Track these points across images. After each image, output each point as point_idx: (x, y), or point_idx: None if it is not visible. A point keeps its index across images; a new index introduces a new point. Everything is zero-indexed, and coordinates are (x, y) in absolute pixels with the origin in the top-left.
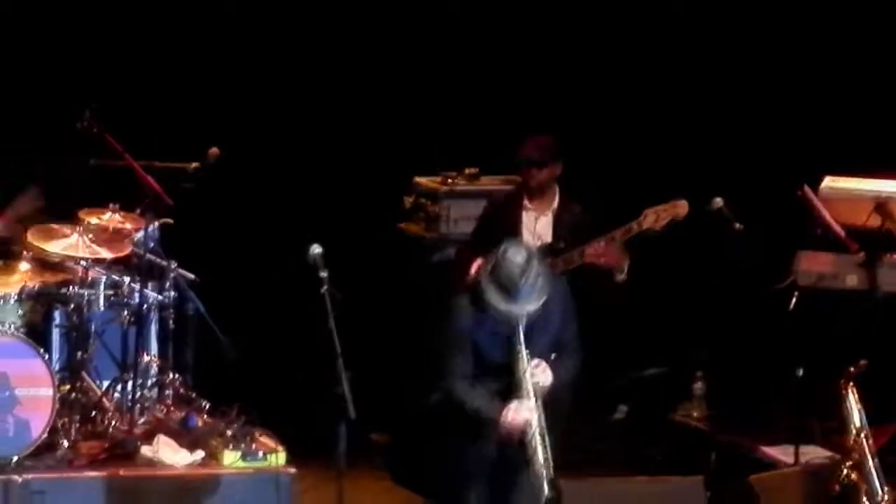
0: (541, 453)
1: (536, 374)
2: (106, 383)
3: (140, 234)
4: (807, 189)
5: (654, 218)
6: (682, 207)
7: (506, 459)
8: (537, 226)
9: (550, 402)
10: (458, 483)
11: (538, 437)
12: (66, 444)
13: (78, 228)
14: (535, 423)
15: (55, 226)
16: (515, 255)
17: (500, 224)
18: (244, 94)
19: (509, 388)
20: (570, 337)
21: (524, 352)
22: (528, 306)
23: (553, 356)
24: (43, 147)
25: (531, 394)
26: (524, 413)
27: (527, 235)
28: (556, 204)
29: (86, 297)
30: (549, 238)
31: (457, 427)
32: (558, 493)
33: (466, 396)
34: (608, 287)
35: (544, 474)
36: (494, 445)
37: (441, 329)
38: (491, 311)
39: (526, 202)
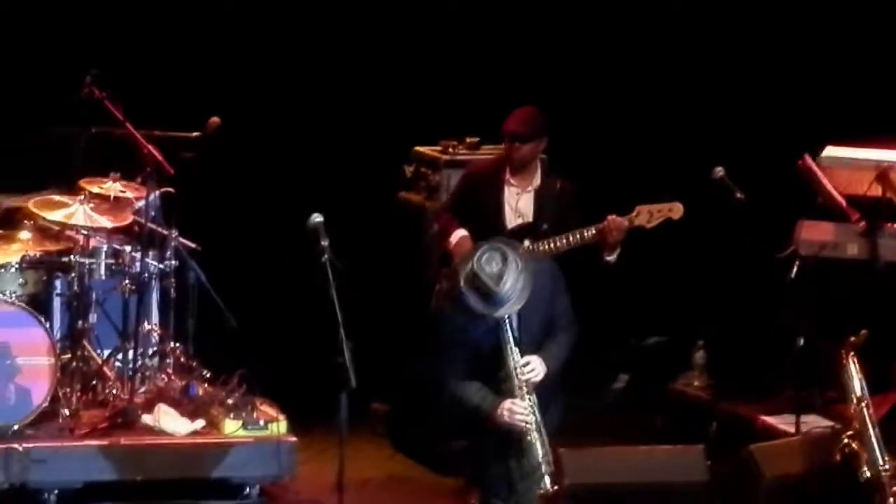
0: (539, 449)
1: (526, 371)
2: (107, 352)
3: (141, 203)
4: (808, 158)
5: (648, 217)
6: (676, 210)
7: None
8: (519, 203)
9: (548, 381)
10: (485, 460)
11: (535, 434)
12: (66, 412)
13: (79, 198)
14: (531, 421)
15: (56, 196)
16: (490, 263)
17: (481, 198)
18: (245, 64)
19: (503, 376)
20: (561, 311)
21: (514, 349)
22: (510, 309)
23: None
24: (44, 115)
25: (524, 392)
26: (518, 416)
27: (509, 212)
28: (538, 181)
29: (87, 266)
30: (530, 216)
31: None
32: (555, 487)
33: (464, 394)
34: (597, 266)
35: (543, 469)
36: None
37: (435, 327)
38: (477, 313)
39: (508, 177)
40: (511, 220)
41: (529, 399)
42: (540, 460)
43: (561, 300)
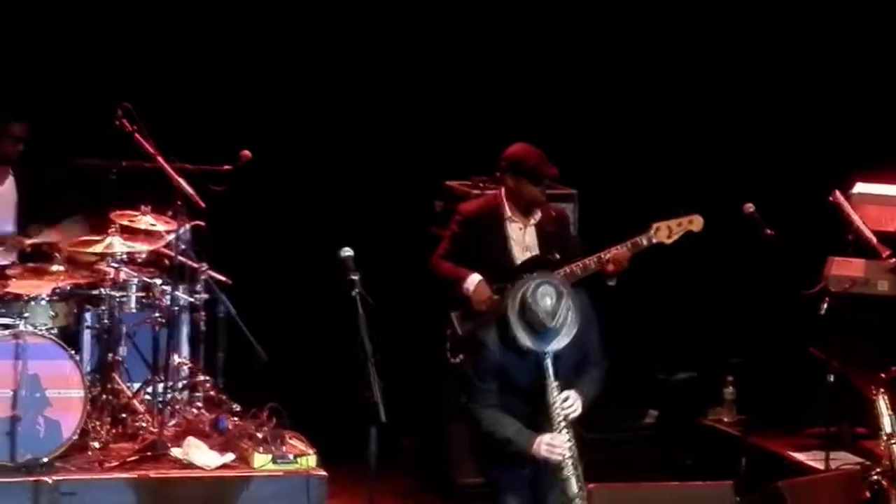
0: (574, 484)
1: (566, 406)
2: (137, 385)
3: (172, 237)
4: (838, 194)
5: (667, 233)
6: (696, 223)
7: (541, 475)
8: (525, 237)
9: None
10: (500, 494)
11: (571, 468)
12: (96, 445)
13: (111, 230)
14: (568, 456)
15: (88, 236)
16: (545, 298)
17: (483, 238)
18: (277, 97)
19: (538, 411)
20: (593, 348)
21: (553, 384)
22: (556, 344)
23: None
24: (75, 148)
25: (562, 427)
26: (557, 449)
27: (516, 248)
28: (539, 213)
29: (117, 299)
30: (536, 249)
31: (493, 449)
32: None
33: (497, 426)
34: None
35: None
36: (530, 468)
37: (470, 358)
38: (519, 345)
39: (510, 213)
40: (519, 256)
41: (567, 434)
42: (575, 494)
43: (593, 333)
